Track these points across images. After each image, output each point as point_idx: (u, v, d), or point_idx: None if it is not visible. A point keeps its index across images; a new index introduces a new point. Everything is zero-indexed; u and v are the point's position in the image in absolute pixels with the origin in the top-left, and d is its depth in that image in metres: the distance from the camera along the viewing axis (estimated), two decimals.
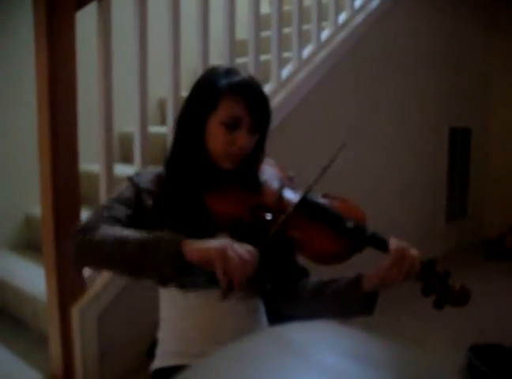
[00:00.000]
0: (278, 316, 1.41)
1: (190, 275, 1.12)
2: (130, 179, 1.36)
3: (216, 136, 1.27)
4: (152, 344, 1.39)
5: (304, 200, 1.26)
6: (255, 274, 1.09)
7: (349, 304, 1.26)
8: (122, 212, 1.27)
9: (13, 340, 2.51)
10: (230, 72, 1.30)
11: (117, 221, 1.24)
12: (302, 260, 1.36)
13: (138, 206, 1.30)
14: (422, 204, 4.42)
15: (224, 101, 1.25)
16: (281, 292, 1.38)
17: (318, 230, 1.24)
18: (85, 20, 2.27)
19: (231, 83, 1.26)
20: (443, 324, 2.92)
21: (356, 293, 1.23)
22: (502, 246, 4.65)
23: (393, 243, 1.19)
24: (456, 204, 4.98)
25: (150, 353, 1.38)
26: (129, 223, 1.27)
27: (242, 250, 1.08)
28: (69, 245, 1.22)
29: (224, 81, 1.26)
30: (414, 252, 1.18)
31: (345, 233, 1.22)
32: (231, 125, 1.25)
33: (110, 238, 1.15)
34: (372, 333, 0.39)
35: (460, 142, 4.93)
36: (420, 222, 4.37)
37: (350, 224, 1.22)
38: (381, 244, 1.21)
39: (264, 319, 1.41)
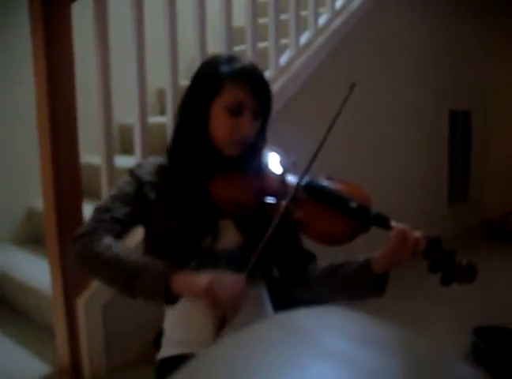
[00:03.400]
0: (284, 302, 1.42)
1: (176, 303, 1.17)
2: (131, 172, 1.36)
3: (219, 123, 1.27)
4: (159, 334, 1.39)
5: (307, 182, 1.27)
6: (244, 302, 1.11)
7: (361, 287, 1.29)
8: (121, 211, 1.29)
9: (19, 333, 2.53)
10: (231, 59, 1.30)
11: (117, 222, 1.27)
12: (308, 244, 1.37)
13: (140, 200, 1.31)
14: (423, 187, 4.42)
15: (227, 87, 1.26)
16: (291, 277, 1.40)
17: (322, 212, 1.25)
18: (82, 11, 2.26)
19: (234, 69, 1.27)
20: (447, 307, 2.94)
21: (367, 276, 1.26)
22: (503, 229, 4.66)
23: (394, 224, 1.21)
24: (457, 187, 4.98)
25: (157, 342, 1.38)
26: (129, 221, 1.31)
27: (229, 284, 1.11)
28: (70, 250, 1.25)
29: (226, 68, 1.27)
30: (417, 233, 1.20)
31: (349, 213, 1.23)
32: (235, 111, 1.26)
33: (107, 257, 1.18)
34: (378, 317, 0.39)
35: (460, 125, 4.91)
36: (422, 205, 4.37)
37: (354, 204, 1.23)
38: (385, 224, 1.22)
39: (269, 305, 1.41)
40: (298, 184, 1.24)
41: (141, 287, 1.16)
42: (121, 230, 1.30)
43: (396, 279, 1.39)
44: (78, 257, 1.24)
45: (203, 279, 1.12)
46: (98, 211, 1.29)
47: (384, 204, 1.88)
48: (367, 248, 1.38)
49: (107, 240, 1.22)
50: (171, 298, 1.15)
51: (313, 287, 1.38)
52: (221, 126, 1.27)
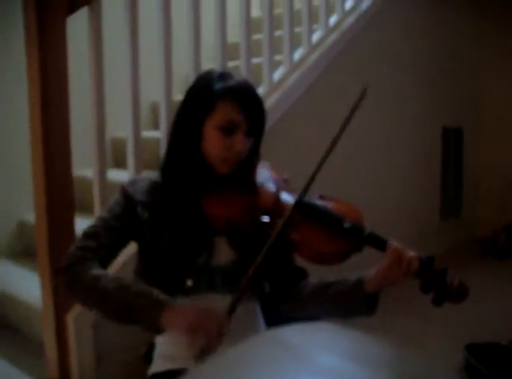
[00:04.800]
0: (276, 318, 1.41)
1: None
2: (123, 189, 1.35)
3: (212, 141, 1.27)
4: (150, 348, 1.38)
5: (301, 202, 1.26)
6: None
7: (352, 305, 1.28)
8: (108, 237, 1.29)
9: (9, 348, 2.49)
10: (224, 76, 1.30)
11: (104, 249, 1.28)
12: (300, 261, 1.36)
13: (130, 220, 1.31)
14: (416, 203, 4.43)
15: (219, 106, 1.25)
16: (282, 293, 1.39)
17: (316, 232, 1.25)
18: (76, 25, 2.27)
19: (226, 87, 1.26)
20: (440, 324, 2.93)
21: (359, 295, 1.26)
22: (496, 245, 4.66)
23: (391, 244, 1.20)
24: (450, 202, 4.99)
25: (147, 357, 1.37)
26: (117, 246, 1.32)
27: (211, 324, 1.11)
28: (58, 281, 1.26)
29: (218, 86, 1.26)
30: (410, 252, 1.20)
31: (343, 233, 1.23)
32: (228, 130, 1.25)
33: (97, 290, 1.19)
34: (370, 334, 0.39)
35: (453, 141, 4.94)
36: (415, 221, 4.37)
37: (347, 224, 1.23)
38: (379, 243, 1.22)
39: (261, 321, 1.41)
40: (293, 205, 1.24)
41: (132, 320, 1.19)
42: (107, 256, 1.31)
43: (387, 296, 1.39)
44: (68, 289, 1.25)
45: (188, 316, 1.13)
46: (85, 237, 1.29)
47: (377, 219, 1.88)
48: (359, 266, 1.38)
49: (95, 271, 1.22)
50: (158, 329, 1.17)
51: (304, 304, 1.37)
52: (214, 144, 1.27)
